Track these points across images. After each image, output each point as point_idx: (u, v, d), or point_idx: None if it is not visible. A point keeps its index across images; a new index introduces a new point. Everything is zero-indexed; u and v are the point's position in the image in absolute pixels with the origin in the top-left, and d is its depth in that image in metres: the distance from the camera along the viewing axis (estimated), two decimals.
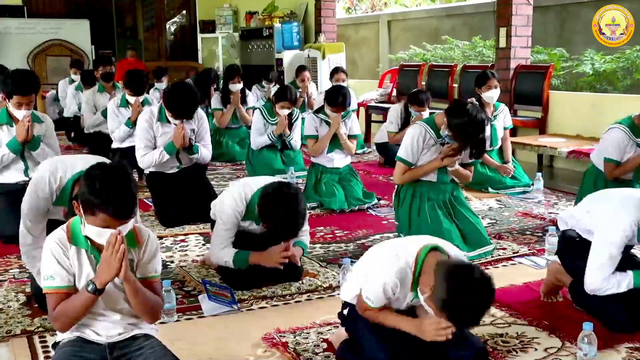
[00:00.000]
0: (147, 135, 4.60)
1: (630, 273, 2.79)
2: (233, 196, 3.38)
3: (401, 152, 4.03)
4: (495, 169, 5.63)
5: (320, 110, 5.28)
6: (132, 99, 5.89)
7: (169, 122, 4.58)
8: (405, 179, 4.05)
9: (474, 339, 2.52)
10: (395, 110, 6.57)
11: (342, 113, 5.17)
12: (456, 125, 3.74)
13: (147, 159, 4.60)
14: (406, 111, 6.34)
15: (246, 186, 3.41)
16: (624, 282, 2.76)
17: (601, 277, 2.77)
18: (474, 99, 5.05)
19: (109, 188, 2.08)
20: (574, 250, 3.03)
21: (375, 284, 2.39)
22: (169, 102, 4.51)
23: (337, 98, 5.12)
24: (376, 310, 2.44)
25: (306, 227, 3.53)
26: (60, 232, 2.24)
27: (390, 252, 2.44)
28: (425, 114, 5.91)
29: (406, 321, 2.43)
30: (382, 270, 2.39)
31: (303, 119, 6.02)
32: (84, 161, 2.94)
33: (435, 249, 2.39)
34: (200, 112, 4.75)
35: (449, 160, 3.91)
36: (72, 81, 8.77)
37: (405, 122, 6.27)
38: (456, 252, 2.51)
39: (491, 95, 5.49)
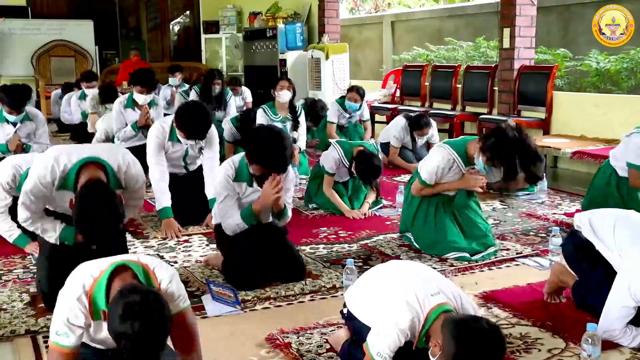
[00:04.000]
0: (160, 153, 4.44)
1: None
2: (223, 166, 3.54)
3: (423, 174, 3.93)
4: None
5: (348, 150, 4.88)
6: (140, 98, 5.88)
7: (179, 141, 4.41)
8: (422, 194, 4.02)
9: None
10: (399, 126, 6.59)
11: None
12: (492, 146, 3.57)
13: (154, 186, 4.47)
14: (411, 134, 6.56)
15: (234, 158, 3.55)
16: (638, 338, 2.72)
17: (617, 319, 2.72)
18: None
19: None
20: (581, 253, 3.02)
21: (387, 336, 2.29)
22: (182, 122, 4.28)
23: (369, 175, 4.75)
24: None
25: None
26: (81, 302, 2.12)
27: (403, 301, 2.31)
28: (428, 135, 6.49)
29: None
30: (394, 323, 2.29)
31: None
32: (91, 149, 3.10)
33: (447, 311, 2.30)
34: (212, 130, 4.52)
35: (472, 187, 3.87)
36: (84, 95, 8.44)
37: (411, 142, 6.60)
38: (465, 305, 2.42)
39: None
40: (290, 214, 3.61)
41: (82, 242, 3.02)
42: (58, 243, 3.14)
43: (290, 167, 3.58)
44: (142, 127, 5.80)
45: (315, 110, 7.79)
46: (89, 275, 2.14)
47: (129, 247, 3.87)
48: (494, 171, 3.74)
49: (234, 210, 3.48)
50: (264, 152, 3.32)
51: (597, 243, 2.93)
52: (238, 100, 7.96)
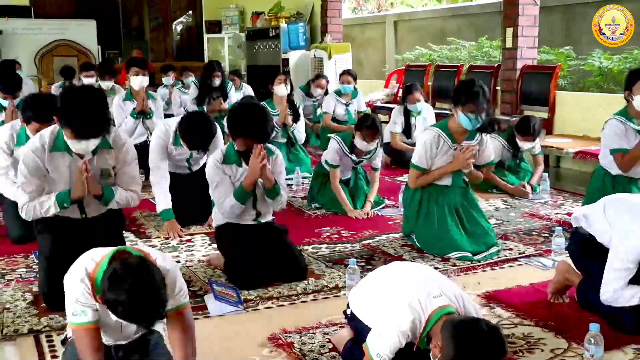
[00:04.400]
0: (162, 156, 4.45)
1: None
2: (211, 155, 3.69)
3: (414, 159, 4.03)
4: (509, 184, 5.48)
5: (346, 138, 4.93)
6: (136, 81, 5.91)
7: (182, 146, 4.41)
8: (420, 184, 4.05)
9: None
10: (396, 111, 6.73)
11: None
12: (459, 94, 3.85)
13: (155, 186, 4.49)
14: (405, 111, 6.59)
15: (223, 146, 3.76)
16: (637, 295, 2.76)
17: (615, 289, 2.77)
18: None
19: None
20: (583, 249, 3.04)
21: (388, 337, 2.28)
22: (185, 133, 4.27)
23: (371, 123, 4.75)
24: None
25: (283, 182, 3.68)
26: (84, 284, 2.15)
27: (405, 303, 2.31)
28: (420, 104, 6.48)
29: None
30: (395, 325, 2.28)
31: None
32: None
33: (449, 314, 2.28)
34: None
35: (464, 163, 3.91)
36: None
37: (406, 121, 6.61)
38: (467, 306, 2.40)
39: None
40: (284, 194, 3.62)
41: (80, 211, 3.19)
42: (58, 210, 3.13)
43: (279, 153, 3.69)
44: (141, 114, 5.81)
45: (319, 75, 8.29)
46: (90, 259, 2.18)
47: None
48: (476, 120, 3.85)
49: (228, 194, 3.52)
50: (243, 122, 3.45)
51: (594, 231, 2.97)
52: (239, 95, 8.00)
